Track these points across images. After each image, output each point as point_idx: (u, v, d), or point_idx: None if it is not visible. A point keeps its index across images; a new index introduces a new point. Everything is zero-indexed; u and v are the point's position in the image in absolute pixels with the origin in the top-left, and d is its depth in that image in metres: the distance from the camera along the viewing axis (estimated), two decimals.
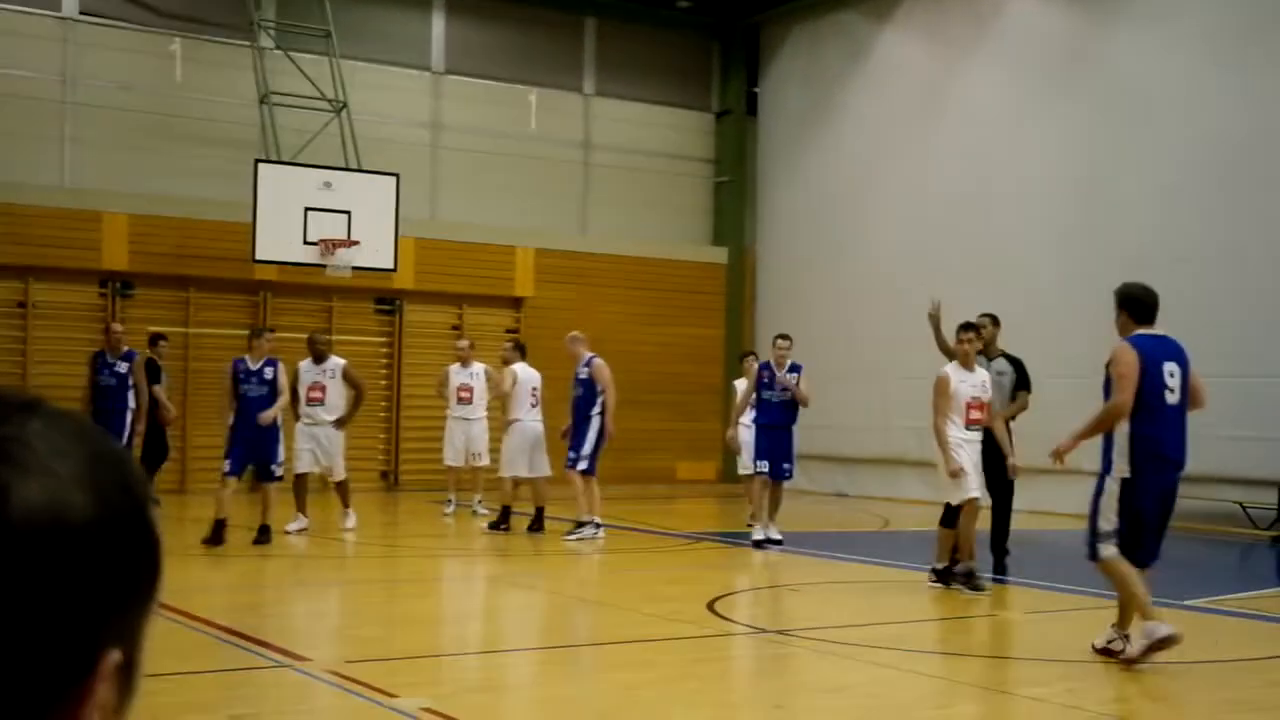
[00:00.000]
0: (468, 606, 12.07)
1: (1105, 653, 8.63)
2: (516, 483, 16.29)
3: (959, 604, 11.42)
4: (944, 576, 11.89)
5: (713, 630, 9.81)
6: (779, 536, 14.92)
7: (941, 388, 11.74)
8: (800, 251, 24.89)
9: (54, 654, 0.93)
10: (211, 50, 21.59)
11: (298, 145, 20.16)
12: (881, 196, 23.21)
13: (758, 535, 14.83)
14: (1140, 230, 18.80)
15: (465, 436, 17.90)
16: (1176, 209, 18.55)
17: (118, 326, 16.52)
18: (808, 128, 24.96)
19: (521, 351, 16.66)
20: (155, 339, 18.88)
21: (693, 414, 24.97)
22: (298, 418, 15.46)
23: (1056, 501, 18.10)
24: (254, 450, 14.22)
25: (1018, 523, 13.50)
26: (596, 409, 15.36)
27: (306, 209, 19.45)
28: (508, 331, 22.33)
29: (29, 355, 19.90)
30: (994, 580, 12.21)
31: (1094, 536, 8.43)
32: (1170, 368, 8.39)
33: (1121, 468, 8.35)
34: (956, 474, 11.52)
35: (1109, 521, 8.35)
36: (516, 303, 23.69)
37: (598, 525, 15.39)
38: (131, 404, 16.23)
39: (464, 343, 18.55)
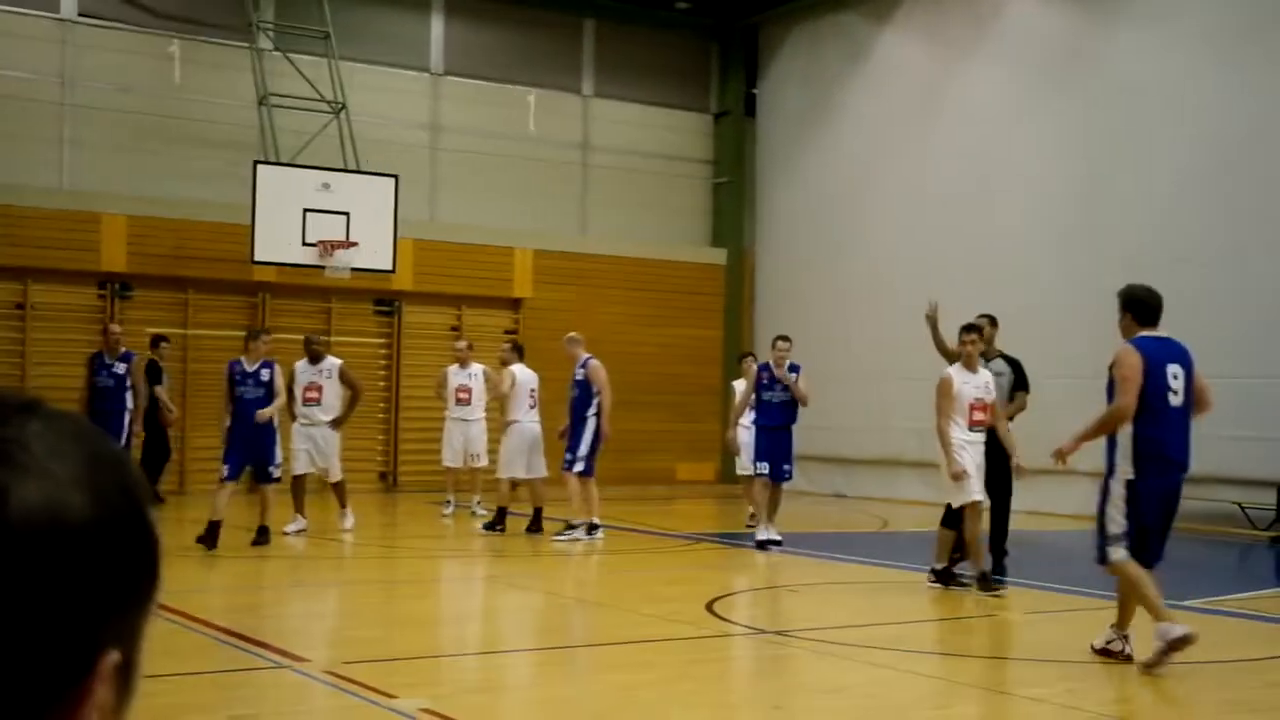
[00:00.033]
0: (466, 607, 12.06)
1: (1104, 653, 8.63)
2: (514, 484, 16.29)
3: (958, 604, 11.42)
4: (943, 577, 11.89)
5: (711, 631, 9.81)
6: (779, 537, 14.92)
7: (945, 389, 11.72)
8: (799, 252, 24.88)
9: (52, 654, 0.93)
10: (210, 52, 21.59)
11: (296, 146, 20.15)
12: (880, 197, 23.21)
13: (762, 536, 14.81)
14: (1140, 230, 18.79)
15: (464, 437, 17.90)
16: (1176, 209, 18.55)
17: (116, 328, 16.52)
18: (807, 128, 24.96)
19: (519, 353, 16.68)
20: (157, 340, 18.97)
21: (692, 415, 24.97)
22: (294, 418, 15.45)
23: (1055, 502, 18.11)
24: (251, 452, 14.21)
25: (1017, 523, 13.51)
26: (592, 410, 15.36)
27: (305, 210, 19.44)
28: (507, 333, 22.32)
29: (28, 357, 19.89)
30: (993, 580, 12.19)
31: (1103, 539, 8.39)
32: (1174, 370, 8.36)
33: (1125, 469, 8.32)
34: (959, 477, 11.52)
35: (1117, 524, 8.31)
36: (515, 304, 23.69)
37: (596, 526, 15.39)
38: (129, 405, 16.22)
39: (462, 344, 18.55)
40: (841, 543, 16.24)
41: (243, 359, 14.41)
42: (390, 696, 7.17)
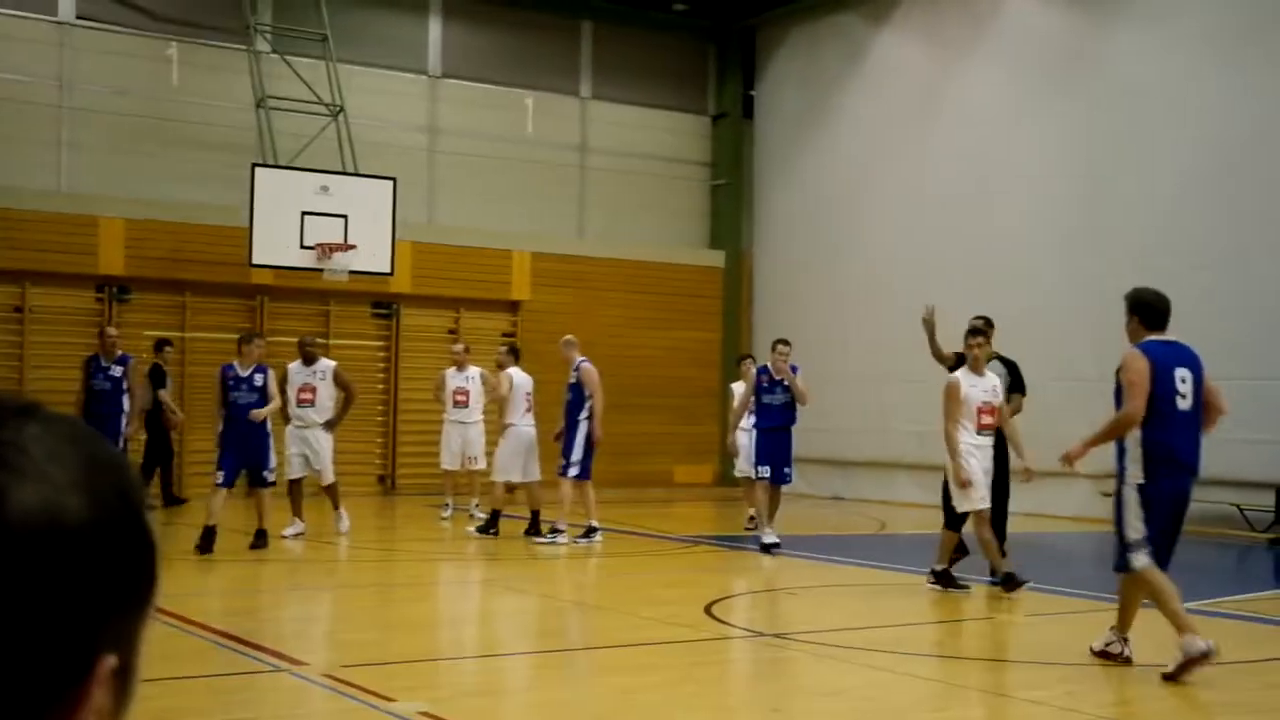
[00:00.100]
0: (465, 610, 12.05)
1: (1103, 655, 8.62)
2: (510, 487, 16.27)
3: (956, 607, 11.42)
4: (943, 579, 11.89)
5: (710, 634, 9.80)
6: (778, 540, 14.90)
7: (952, 393, 11.69)
8: (797, 254, 24.88)
9: (49, 658, 0.93)
10: (208, 54, 21.59)
11: (294, 149, 20.15)
12: (879, 198, 23.21)
13: (767, 539, 14.76)
14: (1142, 232, 18.79)
15: (461, 440, 17.89)
16: (1178, 211, 18.54)
17: (112, 330, 16.46)
18: (804, 130, 24.96)
19: (515, 356, 16.67)
20: (160, 344, 19.05)
21: (690, 417, 24.97)
22: (287, 421, 15.41)
23: (1054, 505, 18.11)
24: (245, 456, 14.15)
25: (1015, 525, 13.50)
26: (585, 414, 15.36)
27: (303, 213, 19.44)
28: (504, 335, 22.32)
29: (25, 360, 19.89)
30: (990, 583, 12.20)
31: (1124, 547, 8.27)
32: (1182, 374, 8.30)
33: (1135, 474, 8.23)
34: (965, 485, 11.50)
35: (1136, 530, 8.21)
36: (513, 306, 23.69)
37: (595, 529, 15.39)
38: (126, 408, 16.15)
39: (459, 346, 18.55)
40: (840, 545, 16.24)
41: (236, 363, 14.34)
42: (389, 700, 7.17)
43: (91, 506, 0.96)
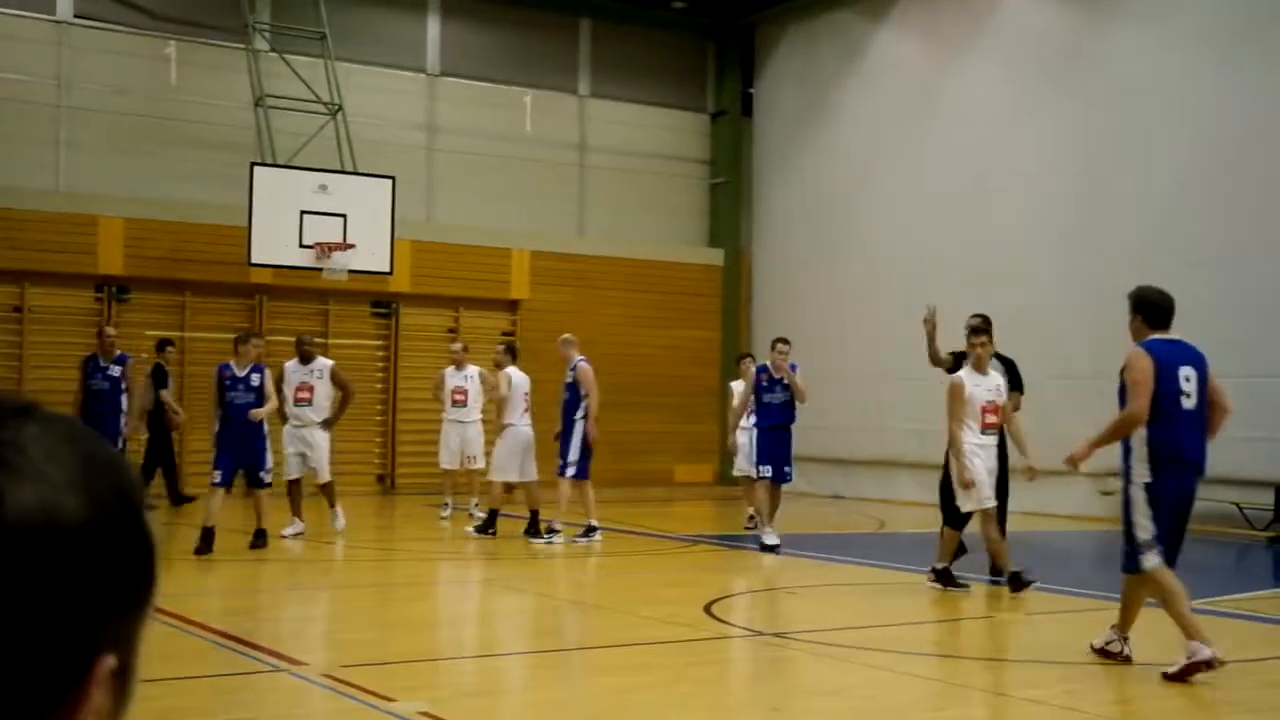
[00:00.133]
0: (464, 610, 12.05)
1: (1103, 653, 8.61)
2: (509, 487, 16.25)
3: (956, 606, 11.42)
4: (943, 577, 11.88)
5: (710, 633, 9.80)
6: (779, 541, 14.88)
7: (957, 393, 11.66)
8: (796, 252, 24.89)
9: (48, 658, 0.93)
10: (206, 53, 21.59)
11: (293, 148, 20.14)
12: (877, 196, 23.22)
13: (768, 540, 14.72)
14: (1139, 230, 18.79)
15: (460, 439, 17.88)
16: (1175, 209, 18.54)
17: (110, 330, 16.43)
18: (803, 128, 24.97)
19: (513, 355, 16.65)
20: (163, 344, 19.07)
21: (690, 416, 24.97)
22: (284, 420, 15.38)
23: (1054, 504, 18.11)
24: (242, 457, 14.10)
25: (1015, 524, 13.48)
26: (580, 413, 15.35)
27: (302, 212, 19.44)
28: (504, 334, 22.32)
29: (25, 360, 19.89)
30: (990, 582, 12.20)
31: (1133, 547, 8.21)
32: (1186, 372, 8.25)
33: (1141, 473, 8.18)
34: (969, 486, 11.48)
35: (1146, 530, 8.15)
36: (513, 305, 23.69)
37: (594, 528, 15.38)
38: (125, 408, 16.11)
39: (458, 345, 18.54)
40: (839, 544, 16.24)
41: (233, 363, 14.29)
42: (388, 700, 7.16)
43: (89, 506, 0.96)
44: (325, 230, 19.56)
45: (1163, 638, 8.29)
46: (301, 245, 19.49)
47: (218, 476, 13.94)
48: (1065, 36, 20.49)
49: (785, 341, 15.16)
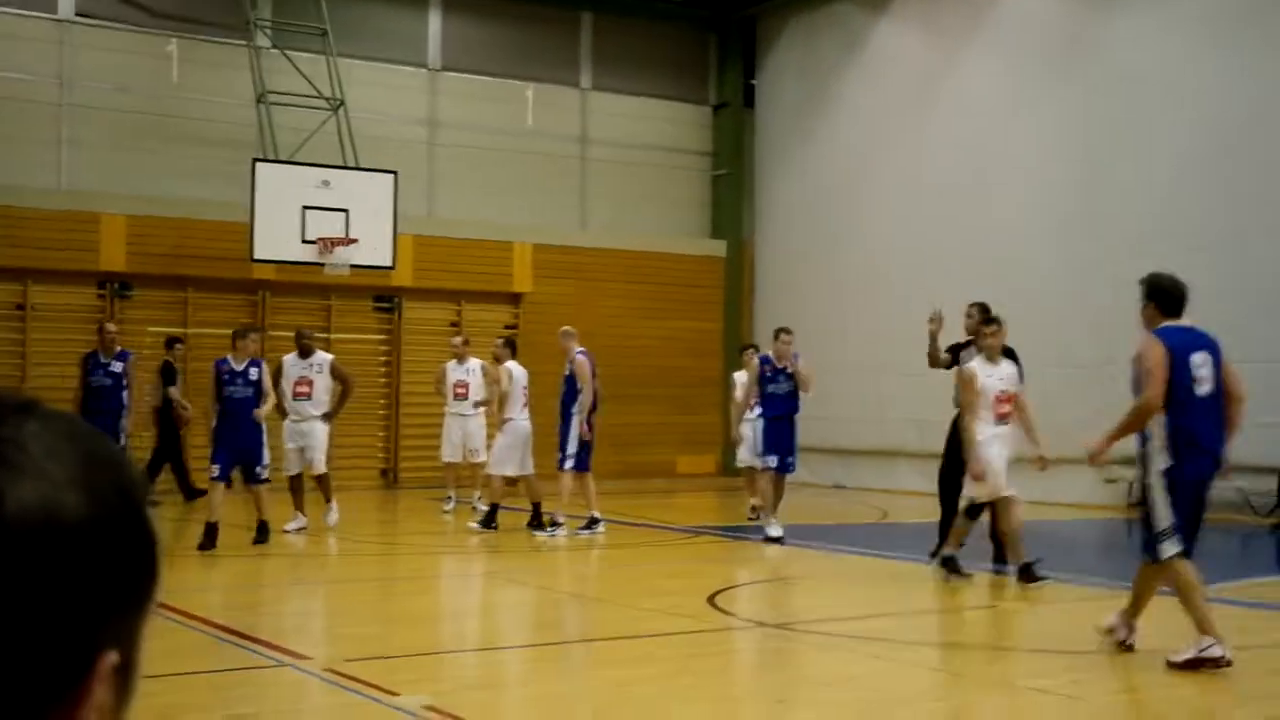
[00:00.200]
0: (467, 603, 12.06)
1: (1109, 632, 8.53)
2: (510, 480, 16.23)
3: (961, 596, 11.42)
4: (948, 565, 11.82)
5: (713, 624, 9.81)
6: (782, 533, 14.87)
7: (969, 384, 11.63)
8: (797, 243, 24.89)
9: (50, 655, 0.93)
10: (208, 50, 21.58)
11: (295, 144, 20.15)
12: (878, 187, 23.21)
13: (772, 531, 14.70)
14: (1140, 217, 18.78)
15: (462, 433, 17.90)
16: (1176, 195, 18.53)
17: (111, 326, 16.40)
18: (804, 119, 24.95)
19: (512, 349, 16.62)
20: (171, 342, 19.11)
21: (692, 407, 24.97)
22: (283, 415, 15.36)
23: (1057, 492, 18.09)
24: (239, 452, 14.07)
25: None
26: (578, 406, 15.34)
27: (304, 208, 19.45)
28: (506, 328, 22.31)
29: (27, 357, 19.91)
30: (994, 571, 12.20)
31: (1153, 536, 8.14)
32: (1199, 358, 8.19)
33: (1160, 460, 8.13)
34: (979, 476, 11.45)
35: (1165, 518, 8.09)
36: (515, 299, 23.69)
37: (597, 520, 15.38)
38: (126, 404, 16.09)
39: (459, 339, 18.56)
40: (842, 534, 16.24)
41: (230, 357, 14.25)
42: (392, 694, 7.17)
43: (90, 503, 0.96)
44: (327, 226, 19.57)
45: (1175, 628, 8.24)
46: (304, 241, 19.51)
47: (215, 471, 13.93)
48: (1065, 24, 20.47)
49: (788, 332, 15.15)
